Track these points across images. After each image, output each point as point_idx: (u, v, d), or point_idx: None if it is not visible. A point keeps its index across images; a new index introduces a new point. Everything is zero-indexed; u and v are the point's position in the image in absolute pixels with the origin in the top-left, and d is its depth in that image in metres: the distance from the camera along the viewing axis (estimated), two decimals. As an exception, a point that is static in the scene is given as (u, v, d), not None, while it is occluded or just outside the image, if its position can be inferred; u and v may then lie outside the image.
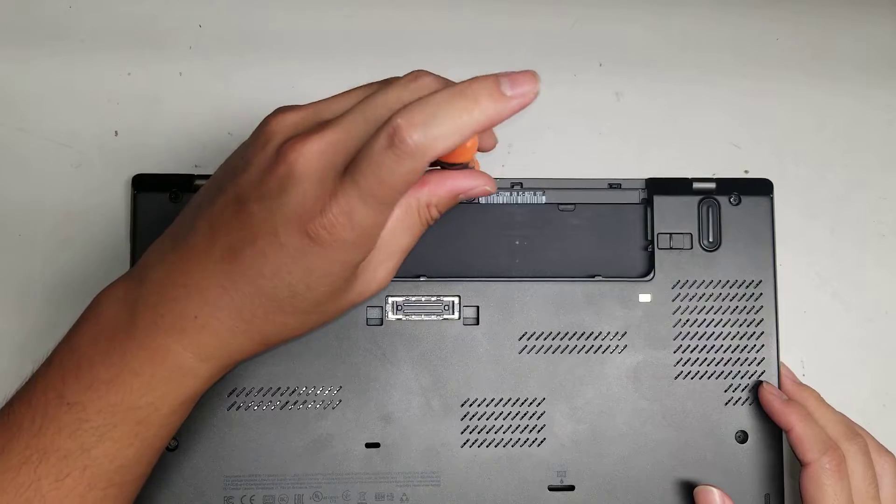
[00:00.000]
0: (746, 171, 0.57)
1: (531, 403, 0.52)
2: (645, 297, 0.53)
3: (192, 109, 0.55)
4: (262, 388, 0.51)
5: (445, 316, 0.52)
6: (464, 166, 0.44)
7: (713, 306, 0.53)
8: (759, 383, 0.52)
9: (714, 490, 0.50)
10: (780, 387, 0.52)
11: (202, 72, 0.56)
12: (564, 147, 0.56)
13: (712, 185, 0.54)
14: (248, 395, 0.51)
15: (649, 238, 0.54)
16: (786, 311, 0.56)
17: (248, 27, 0.57)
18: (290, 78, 0.56)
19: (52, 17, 0.56)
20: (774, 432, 0.53)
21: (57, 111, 0.55)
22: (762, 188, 0.55)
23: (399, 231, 0.43)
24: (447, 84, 0.42)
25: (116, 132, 0.55)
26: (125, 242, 0.54)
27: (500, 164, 0.56)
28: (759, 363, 0.53)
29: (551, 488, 0.52)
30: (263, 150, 0.40)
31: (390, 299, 0.52)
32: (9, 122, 0.55)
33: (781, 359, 0.54)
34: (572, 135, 0.56)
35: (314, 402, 0.51)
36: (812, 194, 0.58)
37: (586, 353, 0.53)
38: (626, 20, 0.58)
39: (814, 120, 0.58)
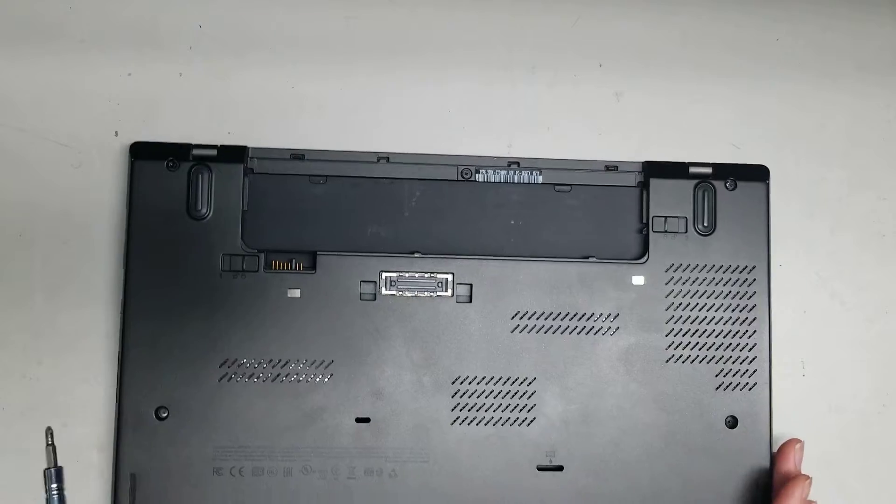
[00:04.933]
0: (746, 171, 0.57)
1: (522, 383, 0.52)
2: (638, 280, 0.53)
3: (192, 109, 0.55)
4: (253, 361, 0.51)
5: (439, 293, 0.53)
6: None
7: (706, 290, 0.53)
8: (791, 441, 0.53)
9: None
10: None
11: (202, 72, 0.56)
12: (564, 147, 0.56)
13: (708, 170, 0.54)
14: (239, 366, 0.51)
15: (644, 221, 0.54)
16: (786, 311, 0.56)
17: (248, 27, 0.56)
18: (290, 78, 0.56)
19: (52, 17, 0.56)
20: (764, 419, 0.53)
21: (57, 111, 0.55)
22: (758, 174, 0.55)
23: None
24: None
25: (116, 132, 0.55)
26: (125, 243, 0.53)
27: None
28: (750, 349, 0.53)
29: (540, 468, 0.52)
30: None
31: (384, 275, 0.52)
32: (9, 122, 0.55)
33: (781, 360, 0.55)
34: (572, 135, 0.56)
35: (305, 375, 0.51)
36: (812, 194, 0.58)
37: (578, 333, 0.53)
38: (627, 20, 0.58)
39: (814, 120, 0.58)
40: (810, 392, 0.56)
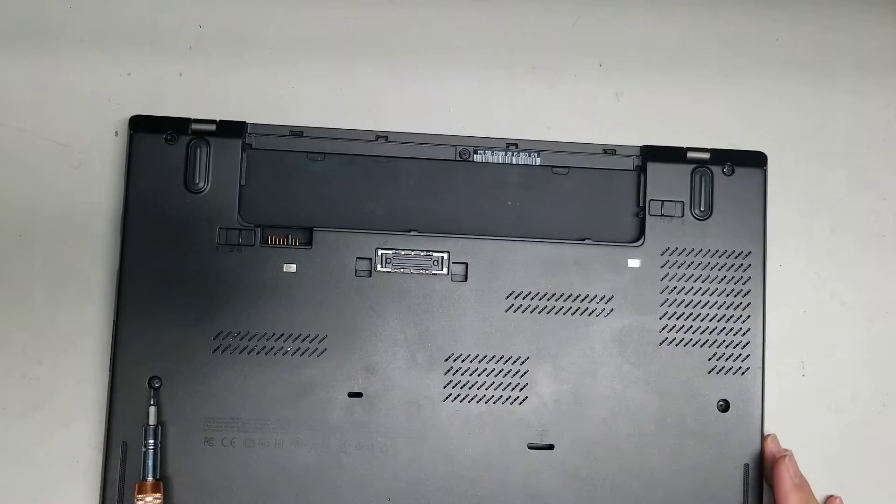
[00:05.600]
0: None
1: (515, 362, 0.52)
2: (634, 263, 0.53)
3: (192, 109, 0.55)
4: (248, 333, 0.51)
5: (434, 271, 0.53)
6: None
7: (701, 275, 0.53)
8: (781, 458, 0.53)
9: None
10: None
11: (202, 72, 0.56)
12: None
13: (706, 155, 0.55)
14: (233, 338, 0.51)
15: (641, 204, 0.54)
16: (786, 311, 0.56)
17: (248, 27, 0.57)
18: (290, 78, 0.56)
19: (52, 17, 0.56)
20: (756, 404, 0.53)
21: (57, 111, 0.55)
22: (756, 160, 0.55)
23: None
24: None
25: (116, 132, 0.55)
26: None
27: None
28: (744, 333, 0.53)
29: (531, 446, 0.52)
30: None
31: (380, 251, 0.52)
32: (9, 122, 0.55)
33: (781, 360, 0.56)
34: (572, 134, 0.56)
35: (299, 349, 0.52)
36: (812, 194, 0.58)
37: (572, 314, 0.53)
38: (627, 20, 0.58)
39: (814, 119, 0.58)
40: (810, 392, 0.56)
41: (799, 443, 0.54)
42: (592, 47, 0.58)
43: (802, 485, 0.52)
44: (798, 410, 0.56)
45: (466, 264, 0.53)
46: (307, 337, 0.52)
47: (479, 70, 0.57)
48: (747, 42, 0.59)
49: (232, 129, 0.53)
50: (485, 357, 0.52)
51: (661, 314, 0.53)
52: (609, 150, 0.55)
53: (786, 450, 0.53)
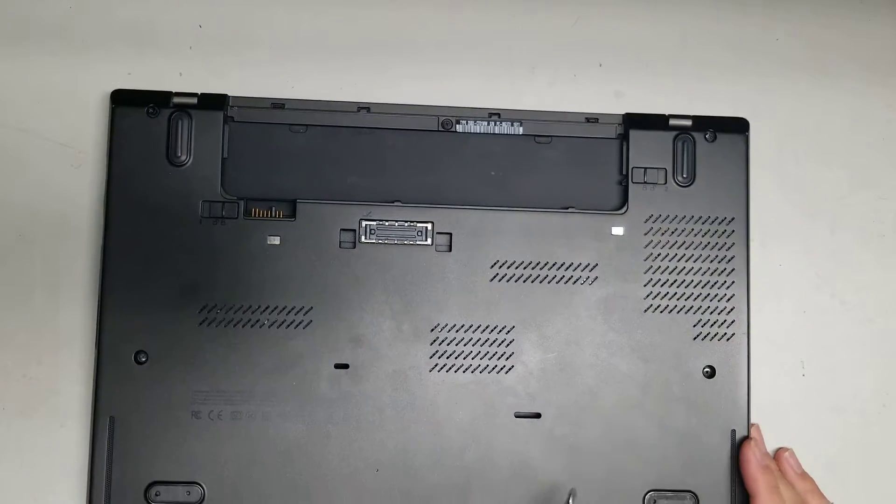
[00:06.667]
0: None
1: (501, 331, 0.53)
2: (617, 230, 0.53)
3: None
4: (233, 306, 0.51)
5: (418, 241, 0.53)
6: None
7: (685, 241, 0.54)
8: (743, 438, 0.53)
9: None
10: None
11: (202, 72, 0.56)
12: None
13: (688, 122, 0.55)
14: (219, 311, 0.51)
15: (624, 172, 0.54)
16: (786, 311, 0.56)
17: (248, 27, 0.56)
18: (290, 78, 0.56)
19: (52, 17, 0.56)
20: (742, 369, 0.53)
21: (57, 111, 0.55)
22: (738, 126, 0.55)
23: None
24: None
25: None
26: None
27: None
28: (729, 299, 0.53)
29: (518, 415, 0.52)
30: None
31: (364, 223, 0.52)
32: (9, 122, 0.55)
33: (781, 360, 0.56)
34: None
35: (285, 321, 0.52)
36: (812, 194, 0.58)
37: (557, 283, 0.53)
38: (627, 20, 0.58)
39: (814, 119, 0.58)
40: (810, 392, 0.56)
41: (799, 443, 0.55)
42: (592, 47, 0.58)
43: (770, 466, 0.52)
44: (798, 410, 0.56)
45: (450, 234, 0.53)
46: (293, 309, 0.52)
47: (479, 70, 0.57)
48: (747, 42, 0.59)
49: (213, 102, 0.53)
50: (470, 327, 0.52)
51: (646, 281, 0.53)
52: (591, 119, 0.55)
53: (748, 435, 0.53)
